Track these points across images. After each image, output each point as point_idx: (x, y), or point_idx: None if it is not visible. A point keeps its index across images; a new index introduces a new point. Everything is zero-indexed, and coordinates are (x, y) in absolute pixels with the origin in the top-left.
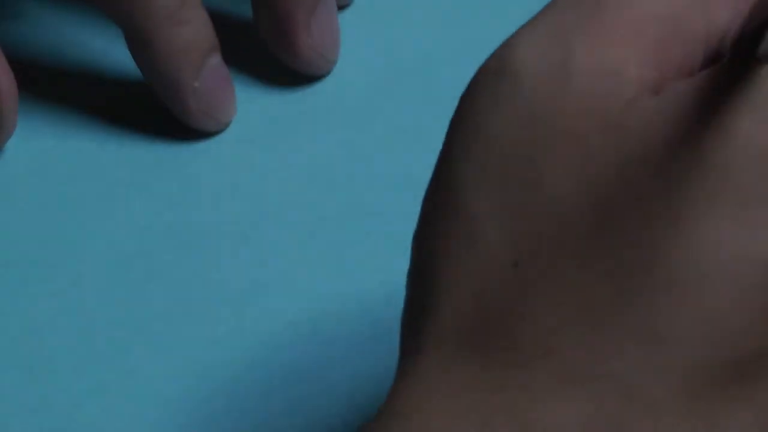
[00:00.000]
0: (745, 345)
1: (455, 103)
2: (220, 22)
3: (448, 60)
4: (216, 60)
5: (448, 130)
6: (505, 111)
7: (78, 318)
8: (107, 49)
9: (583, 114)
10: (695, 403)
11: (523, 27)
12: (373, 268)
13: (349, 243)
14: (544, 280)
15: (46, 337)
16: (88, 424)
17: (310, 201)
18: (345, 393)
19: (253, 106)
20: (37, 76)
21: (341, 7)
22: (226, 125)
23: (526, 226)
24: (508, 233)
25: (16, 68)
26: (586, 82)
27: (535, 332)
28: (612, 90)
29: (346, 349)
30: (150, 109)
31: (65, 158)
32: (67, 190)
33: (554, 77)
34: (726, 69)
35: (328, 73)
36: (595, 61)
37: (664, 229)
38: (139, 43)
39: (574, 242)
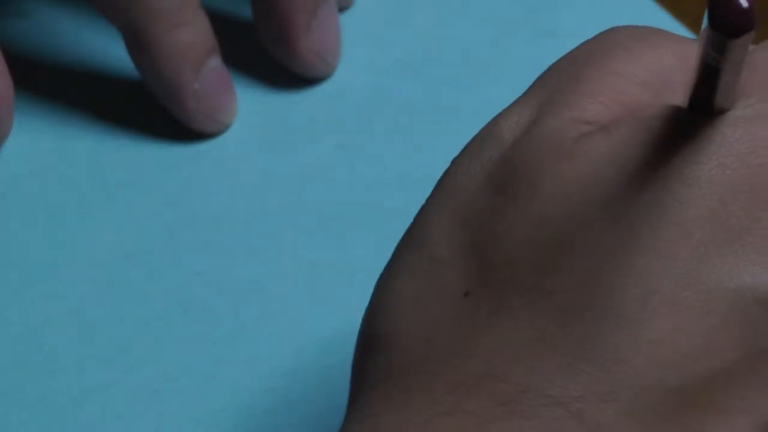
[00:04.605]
0: (689, 369)
1: (455, 103)
2: (220, 23)
3: (448, 61)
4: (216, 62)
5: (435, 184)
6: (478, 166)
7: (78, 318)
8: (107, 49)
9: (536, 152)
10: (642, 430)
11: (512, 102)
12: (373, 267)
13: (349, 243)
14: (493, 310)
15: (46, 337)
16: (88, 424)
17: (311, 201)
18: (345, 392)
19: (253, 108)
20: (37, 75)
21: (342, 9)
22: (227, 127)
23: (479, 262)
24: (463, 268)
25: (16, 67)
26: (544, 128)
27: (482, 359)
28: (565, 130)
29: (346, 349)
30: (150, 109)
31: (65, 158)
32: (67, 191)
33: (521, 133)
34: (678, 113)
35: (328, 76)
36: (559, 115)
37: (610, 261)
38: (138, 45)
39: (522, 277)
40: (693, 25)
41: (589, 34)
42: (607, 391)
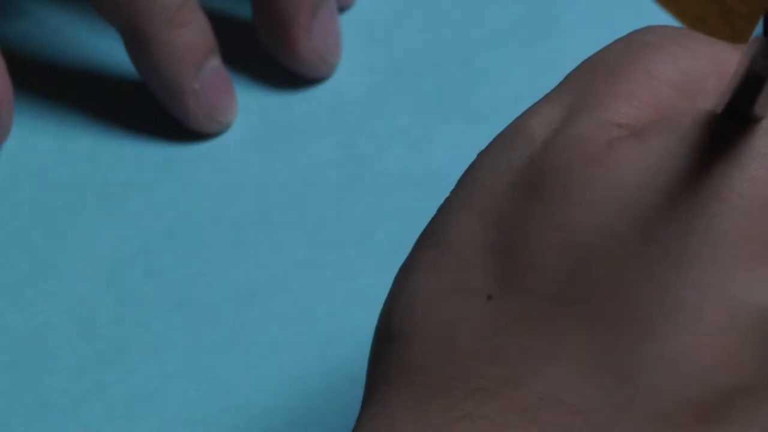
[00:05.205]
0: (707, 383)
1: (454, 103)
2: (220, 23)
3: (447, 61)
4: (215, 62)
5: (459, 178)
6: (505, 164)
7: (78, 318)
8: (107, 49)
9: (566, 156)
10: None
11: (542, 98)
12: (373, 268)
13: (348, 243)
14: (515, 316)
15: (46, 337)
16: (88, 424)
17: (311, 202)
18: (345, 393)
19: (253, 108)
20: (38, 75)
21: (342, 9)
22: (227, 127)
23: (504, 265)
24: (488, 270)
25: (17, 68)
26: (575, 130)
27: (502, 364)
28: (597, 133)
29: (346, 349)
30: (150, 109)
31: (66, 158)
32: (67, 191)
33: (551, 133)
34: (712, 122)
35: (329, 76)
36: (591, 117)
37: (636, 273)
38: (137, 45)
39: (547, 284)
40: (693, 25)
41: (589, 34)
42: (626, 402)
